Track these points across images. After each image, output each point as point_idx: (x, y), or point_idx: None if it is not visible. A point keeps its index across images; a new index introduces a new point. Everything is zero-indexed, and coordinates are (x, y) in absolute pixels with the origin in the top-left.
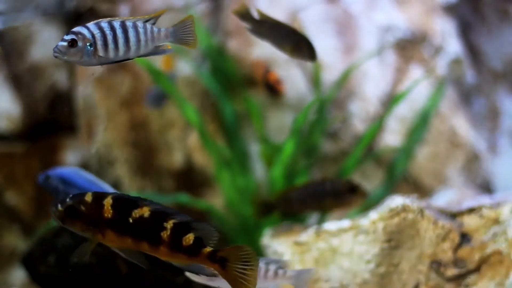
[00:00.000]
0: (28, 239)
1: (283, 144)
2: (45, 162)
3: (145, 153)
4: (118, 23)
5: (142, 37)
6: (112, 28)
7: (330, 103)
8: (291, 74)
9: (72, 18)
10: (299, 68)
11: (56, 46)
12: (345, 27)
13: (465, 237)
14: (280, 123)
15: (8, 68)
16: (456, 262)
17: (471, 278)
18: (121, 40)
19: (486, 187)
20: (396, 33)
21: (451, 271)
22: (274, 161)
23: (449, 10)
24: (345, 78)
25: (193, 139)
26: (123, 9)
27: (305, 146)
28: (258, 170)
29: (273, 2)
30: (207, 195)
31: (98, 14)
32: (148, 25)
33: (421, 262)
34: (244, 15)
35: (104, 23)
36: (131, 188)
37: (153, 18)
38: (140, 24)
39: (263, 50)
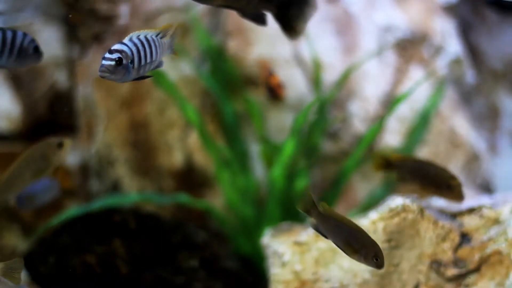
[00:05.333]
0: (28, 239)
1: (283, 144)
2: None
3: (145, 153)
4: (143, 37)
5: (158, 50)
6: (142, 44)
7: (330, 103)
8: (291, 74)
9: None
10: (299, 68)
11: (103, 65)
12: (345, 27)
13: (465, 237)
14: (280, 123)
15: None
16: (456, 262)
17: (471, 278)
18: (148, 55)
19: (486, 187)
20: (396, 33)
21: (451, 271)
22: (274, 161)
23: (449, 10)
24: (345, 78)
25: (193, 139)
26: (123, 9)
27: (305, 146)
28: (258, 170)
29: None
30: (207, 195)
31: (98, 14)
32: (159, 38)
33: (421, 262)
34: (308, 207)
35: (135, 39)
36: (131, 188)
37: (163, 31)
38: (155, 38)
39: (262, 50)
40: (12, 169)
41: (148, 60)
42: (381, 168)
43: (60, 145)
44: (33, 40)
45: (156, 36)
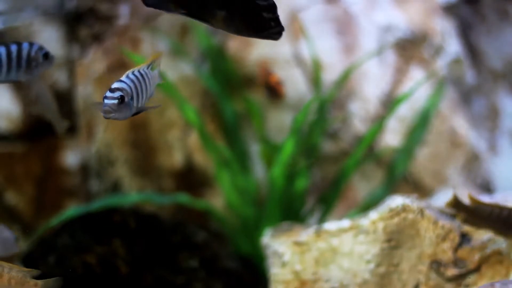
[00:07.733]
0: (28, 239)
1: (283, 144)
2: (45, 162)
3: (145, 153)
4: (137, 72)
5: (152, 82)
6: (138, 79)
7: (330, 103)
8: (291, 74)
9: (72, 18)
10: (299, 68)
11: (106, 104)
12: (345, 27)
13: (465, 237)
14: (280, 123)
15: None
16: (456, 262)
17: (471, 278)
18: (144, 89)
19: (486, 187)
20: (396, 33)
21: (451, 271)
22: (274, 161)
23: (449, 10)
24: (345, 78)
25: (193, 139)
26: (123, 9)
27: (305, 146)
28: (258, 170)
29: None
30: (207, 195)
31: (98, 14)
32: (150, 70)
33: (421, 262)
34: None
35: (131, 75)
36: (131, 188)
37: (152, 63)
38: (147, 71)
39: (262, 50)
40: None
41: (144, 93)
42: (457, 207)
43: None
44: (41, 48)
45: (147, 68)
